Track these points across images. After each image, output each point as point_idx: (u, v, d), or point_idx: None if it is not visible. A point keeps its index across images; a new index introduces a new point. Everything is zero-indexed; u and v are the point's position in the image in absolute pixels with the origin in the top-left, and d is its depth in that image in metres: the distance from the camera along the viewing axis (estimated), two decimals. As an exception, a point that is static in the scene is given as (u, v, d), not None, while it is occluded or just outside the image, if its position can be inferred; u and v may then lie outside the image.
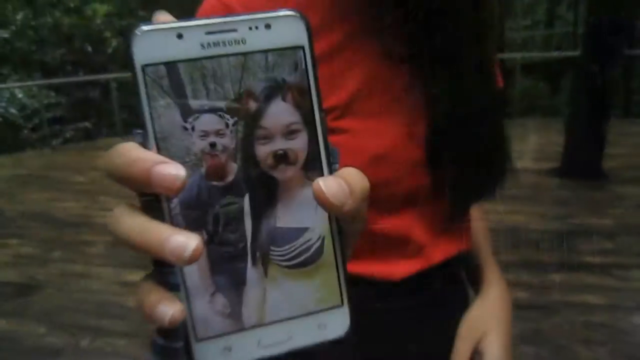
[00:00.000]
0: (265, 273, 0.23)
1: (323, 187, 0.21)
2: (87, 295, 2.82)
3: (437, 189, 0.53)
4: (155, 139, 0.21)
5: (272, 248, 0.22)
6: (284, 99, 0.22)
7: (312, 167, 0.22)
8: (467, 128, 0.51)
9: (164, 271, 0.22)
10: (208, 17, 0.21)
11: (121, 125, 8.43)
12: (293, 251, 0.23)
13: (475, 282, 0.66)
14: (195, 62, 0.21)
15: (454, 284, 0.63)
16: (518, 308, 2.32)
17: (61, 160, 6.47)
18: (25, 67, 12.25)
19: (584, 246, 3.02)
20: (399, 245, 0.55)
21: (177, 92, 0.21)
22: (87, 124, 10.36)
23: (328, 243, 0.23)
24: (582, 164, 4.33)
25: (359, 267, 0.54)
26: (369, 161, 0.50)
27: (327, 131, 0.22)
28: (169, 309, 0.21)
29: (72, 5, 14.11)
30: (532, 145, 5.61)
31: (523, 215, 3.56)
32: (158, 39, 0.21)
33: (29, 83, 10.85)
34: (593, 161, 4.33)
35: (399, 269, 0.56)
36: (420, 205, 0.55)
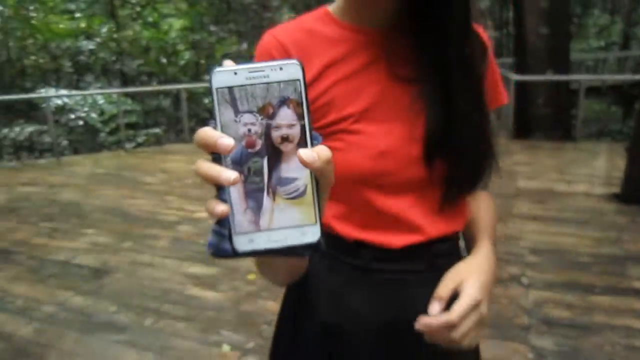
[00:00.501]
0: (274, 200, 0.40)
1: (302, 154, 0.38)
2: (152, 282, 3.11)
3: (431, 180, 0.69)
4: (220, 126, 0.39)
5: (278, 187, 0.40)
6: (288, 107, 0.39)
7: (302, 144, 0.40)
8: (455, 133, 0.67)
9: (220, 193, 0.40)
10: (251, 62, 0.39)
11: (189, 132, 8.93)
12: (289, 190, 0.40)
13: (470, 250, 0.79)
14: (243, 87, 0.39)
15: (449, 256, 0.76)
16: (559, 326, 2.39)
17: (133, 162, 6.98)
18: (107, 76, 13.27)
19: (633, 271, 2.97)
20: (398, 222, 0.70)
21: (232, 102, 0.39)
22: (158, 130, 11.03)
23: (309, 187, 0.40)
24: (642, 190, 4.20)
25: (366, 235, 0.71)
26: (377, 155, 0.66)
27: (312, 124, 0.40)
28: (221, 207, 0.38)
29: (150, 19, 15.13)
30: (597, 170, 5.47)
31: (576, 237, 3.52)
32: (224, 74, 0.39)
33: (109, 90, 11.71)
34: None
35: (397, 240, 0.71)
36: (417, 192, 0.70)
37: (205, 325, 2.58)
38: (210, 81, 0.40)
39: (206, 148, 0.38)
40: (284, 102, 0.39)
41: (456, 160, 0.68)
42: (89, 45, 12.66)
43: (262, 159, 0.40)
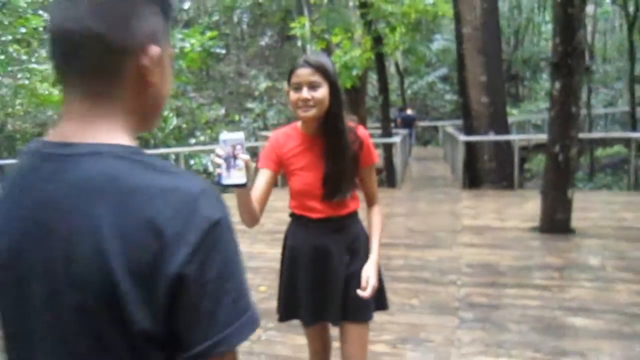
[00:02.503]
0: (233, 169, 1.49)
1: (244, 158, 1.42)
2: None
3: (325, 193, 1.83)
4: (220, 149, 1.49)
5: (235, 166, 1.45)
6: (240, 146, 1.46)
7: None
8: (336, 176, 1.81)
9: (221, 168, 1.65)
10: (231, 133, 1.51)
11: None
12: (238, 167, 1.44)
13: (367, 247, 1.90)
14: (227, 140, 1.45)
15: (349, 221, 1.89)
16: (478, 306, 3.75)
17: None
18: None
19: (536, 274, 4.22)
20: (313, 209, 1.85)
21: (224, 143, 1.45)
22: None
23: (244, 167, 1.44)
24: (553, 222, 5.54)
25: (304, 213, 1.88)
26: (305, 183, 1.83)
27: (245, 151, 1.54)
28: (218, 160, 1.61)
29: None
30: (526, 210, 6.81)
31: (500, 256, 4.77)
32: (222, 136, 1.49)
33: None
34: (563, 220, 5.54)
35: (314, 215, 1.86)
36: (323, 199, 1.84)
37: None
38: (219, 139, 1.49)
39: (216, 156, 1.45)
40: (238, 144, 1.45)
41: (333, 185, 1.83)
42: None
43: (231, 158, 1.46)
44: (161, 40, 0.71)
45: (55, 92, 15.98)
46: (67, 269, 0.63)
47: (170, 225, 0.61)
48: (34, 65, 15.62)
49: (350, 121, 1.81)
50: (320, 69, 1.69)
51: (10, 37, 14.35)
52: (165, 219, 0.61)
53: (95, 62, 0.67)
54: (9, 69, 14.06)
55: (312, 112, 1.71)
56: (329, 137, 1.77)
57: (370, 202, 1.96)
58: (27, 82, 14.84)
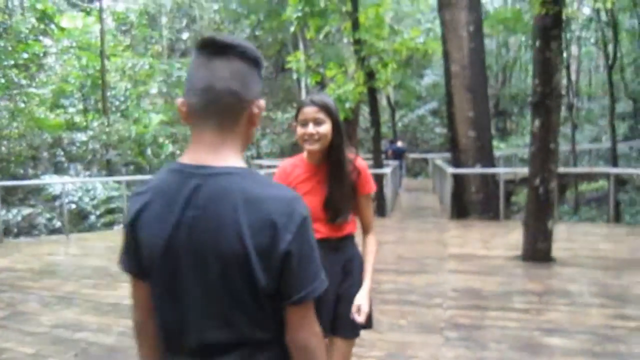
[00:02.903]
0: None
1: None
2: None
3: (327, 216, 2.09)
4: None
5: None
6: None
7: None
8: (337, 200, 2.08)
9: None
10: None
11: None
12: None
13: (361, 272, 2.14)
14: None
15: (345, 242, 2.13)
16: (462, 326, 4.05)
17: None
18: (97, 164, 14.57)
19: (516, 299, 4.49)
20: (315, 231, 1.99)
21: None
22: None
23: None
24: (535, 251, 5.83)
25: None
26: (311, 207, 1.89)
27: None
28: None
29: (137, 115, 16.80)
30: (510, 240, 7.11)
31: (483, 282, 5.04)
32: None
33: (108, 178, 12.81)
34: (544, 249, 5.83)
35: (320, 235, 2.06)
36: (323, 220, 2.10)
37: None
38: None
39: None
40: None
41: (334, 208, 2.09)
42: (83, 137, 14.11)
43: None
44: (261, 95, 1.07)
45: (52, 116, 16.32)
46: (214, 249, 0.96)
47: (280, 219, 0.96)
48: (33, 90, 15.99)
49: (350, 153, 2.04)
50: (324, 108, 1.93)
51: (12, 62, 14.73)
52: (277, 216, 0.96)
53: (228, 108, 1.01)
54: (7, 92, 14.36)
55: (316, 146, 1.95)
56: (331, 166, 2.01)
57: (366, 230, 2.14)
58: (23, 105, 15.17)
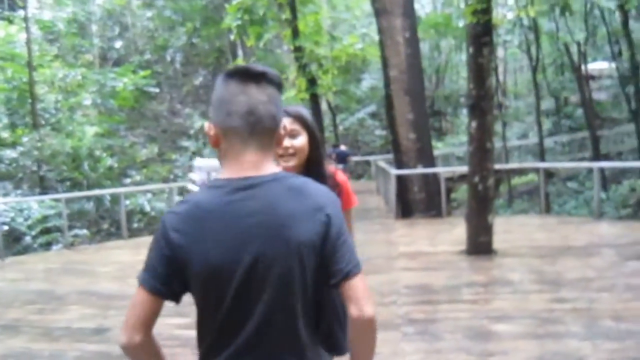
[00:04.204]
0: None
1: None
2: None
3: None
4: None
5: None
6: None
7: None
8: None
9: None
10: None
11: (126, 230, 9.83)
12: None
13: None
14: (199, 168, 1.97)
15: None
16: (417, 321, 4.24)
17: (81, 258, 7.87)
18: (29, 182, 13.78)
19: (464, 291, 4.77)
20: None
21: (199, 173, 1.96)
22: (85, 232, 11.74)
23: None
24: (478, 245, 6.19)
25: None
26: None
27: None
28: None
29: (70, 127, 16.03)
30: (454, 236, 7.46)
31: (432, 277, 5.30)
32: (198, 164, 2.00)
33: (42, 197, 12.12)
34: (486, 243, 6.20)
35: None
36: None
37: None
38: (194, 165, 1.99)
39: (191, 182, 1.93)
40: (213, 170, 1.96)
41: None
42: (12, 154, 13.30)
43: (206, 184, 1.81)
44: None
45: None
46: (284, 244, 1.07)
47: (330, 210, 1.12)
48: None
49: (329, 167, 1.86)
50: (299, 118, 1.73)
51: None
52: (328, 206, 1.12)
53: (268, 129, 1.14)
54: None
55: (292, 162, 1.72)
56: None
57: None
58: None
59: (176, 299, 1.13)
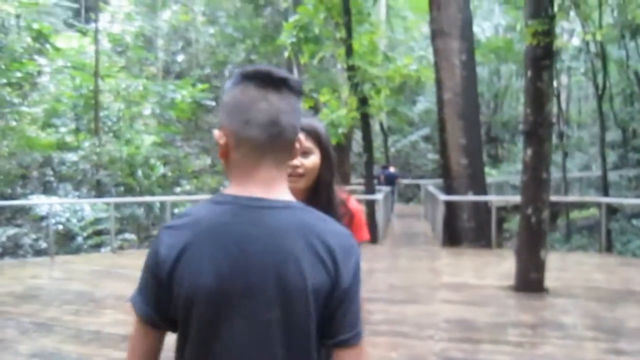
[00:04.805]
0: None
1: None
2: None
3: None
4: None
5: None
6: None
7: None
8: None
9: None
10: None
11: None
12: None
13: None
14: None
15: None
16: None
17: (123, 262, 8.03)
18: (87, 185, 14.41)
19: (510, 331, 4.40)
20: None
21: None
22: (133, 236, 12.07)
23: None
24: (527, 281, 5.76)
25: None
26: None
27: None
28: None
29: (129, 135, 16.72)
30: (502, 269, 7.03)
31: (476, 313, 4.94)
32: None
33: (96, 200, 12.62)
34: (537, 280, 5.76)
35: None
36: None
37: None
38: None
39: None
40: None
41: None
42: (74, 157, 13.97)
43: None
44: None
45: (43, 135, 16.19)
46: (277, 285, 0.91)
47: (341, 255, 0.94)
48: (25, 109, 15.89)
49: (341, 192, 1.63)
50: (312, 134, 1.51)
51: (4, 81, 14.68)
52: (338, 251, 0.94)
53: (288, 143, 1.00)
54: (-1, 110, 14.28)
55: (301, 183, 1.51)
56: (317, 209, 1.64)
57: None
58: (15, 123, 15.05)
59: (174, 327, 0.99)
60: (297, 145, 1.04)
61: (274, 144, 0.97)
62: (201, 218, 0.95)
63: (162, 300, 0.96)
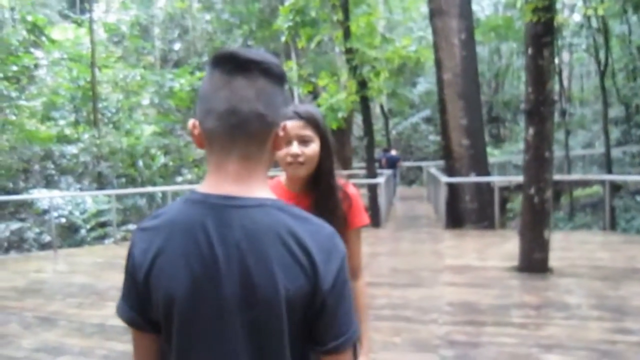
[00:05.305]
0: None
1: None
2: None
3: None
4: None
5: None
6: None
7: None
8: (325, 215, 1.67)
9: None
10: None
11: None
12: None
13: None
14: None
15: None
16: (458, 344, 3.89)
17: (126, 253, 8.01)
18: (89, 177, 14.38)
19: (514, 313, 4.37)
20: None
21: None
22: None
23: None
24: (531, 262, 5.72)
25: None
26: None
27: None
28: None
29: (128, 126, 16.67)
30: (505, 250, 7.00)
31: (480, 295, 4.92)
32: None
33: (98, 192, 12.62)
34: (540, 260, 5.72)
35: None
36: None
37: None
38: None
39: None
40: None
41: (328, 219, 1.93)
42: (73, 149, 13.93)
43: None
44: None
45: (43, 128, 16.14)
46: (252, 290, 0.85)
47: (320, 256, 0.87)
48: (23, 102, 15.82)
49: (340, 178, 1.66)
50: (311, 122, 1.52)
51: (1, 75, 14.59)
52: (317, 252, 0.86)
53: (255, 134, 0.90)
54: (-3, 104, 14.23)
55: (302, 171, 1.54)
56: (319, 196, 1.59)
57: (354, 273, 1.67)
58: (14, 117, 15.00)
59: (159, 330, 0.95)
60: (281, 132, 0.94)
61: (234, 135, 0.88)
62: (173, 219, 0.90)
63: (145, 304, 0.92)
